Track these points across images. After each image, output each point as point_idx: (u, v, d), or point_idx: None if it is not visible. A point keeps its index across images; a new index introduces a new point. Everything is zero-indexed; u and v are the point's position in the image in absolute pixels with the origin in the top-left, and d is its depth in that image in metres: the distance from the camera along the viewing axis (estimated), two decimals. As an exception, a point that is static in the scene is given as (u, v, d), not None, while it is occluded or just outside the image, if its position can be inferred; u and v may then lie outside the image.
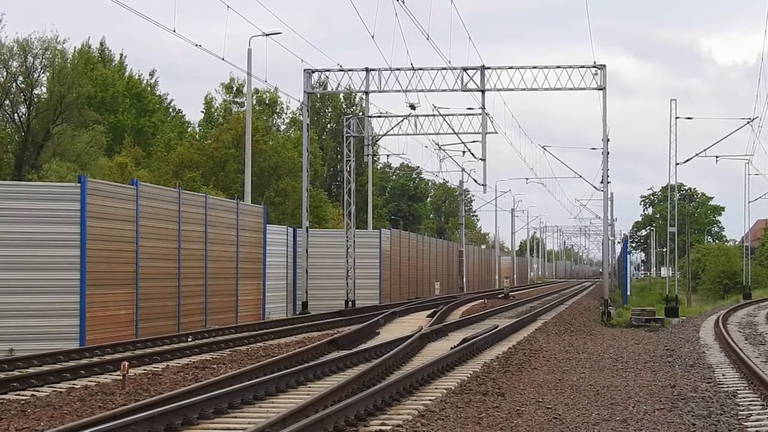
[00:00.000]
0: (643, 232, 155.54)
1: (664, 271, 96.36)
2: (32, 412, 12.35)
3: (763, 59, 62.14)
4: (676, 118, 53.18)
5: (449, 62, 36.63)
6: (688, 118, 53.80)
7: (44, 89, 56.70)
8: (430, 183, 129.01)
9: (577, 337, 26.32)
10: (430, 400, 13.23)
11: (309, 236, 38.28)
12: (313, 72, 38.65)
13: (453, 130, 41.43)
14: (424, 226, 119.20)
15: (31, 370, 16.49)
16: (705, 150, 52.86)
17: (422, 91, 37.21)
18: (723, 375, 16.82)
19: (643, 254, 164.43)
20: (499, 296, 54.05)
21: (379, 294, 44.39)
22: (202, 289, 28.69)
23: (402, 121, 43.07)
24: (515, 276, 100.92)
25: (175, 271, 26.84)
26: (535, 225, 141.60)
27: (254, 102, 66.99)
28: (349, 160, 43.36)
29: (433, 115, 41.78)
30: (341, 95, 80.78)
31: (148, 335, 23.82)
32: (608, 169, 38.59)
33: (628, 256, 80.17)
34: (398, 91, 37.48)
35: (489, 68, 37.16)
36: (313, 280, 38.40)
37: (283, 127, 75.97)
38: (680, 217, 72.20)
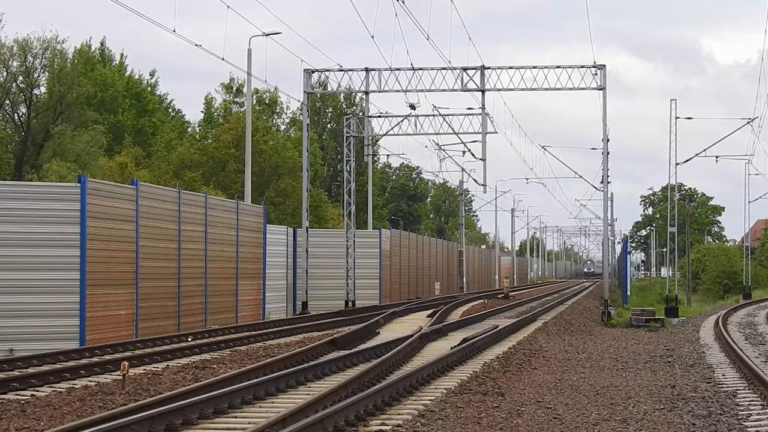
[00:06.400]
0: (643, 232, 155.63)
1: (664, 271, 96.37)
2: (32, 412, 12.35)
3: (763, 59, 62.11)
4: (676, 118, 53.31)
5: (449, 62, 36.68)
6: (688, 118, 53.94)
7: (44, 89, 56.72)
8: (430, 183, 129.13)
9: (577, 337, 26.31)
10: (430, 400, 13.22)
11: (309, 236, 38.27)
12: (313, 72, 38.65)
13: (453, 130, 41.44)
14: (424, 226, 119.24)
15: (31, 370, 16.49)
16: (705, 150, 53.01)
17: (422, 91, 37.24)
18: (723, 375, 16.81)
19: (643, 254, 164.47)
20: (499, 296, 53.98)
21: (379, 294, 44.38)
22: (202, 289, 28.69)
23: (402, 121, 43.08)
24: (515, 276, 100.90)
25: (175, 271, 26.84)
26: (535, 225, 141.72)
27: (254, 102, 66.98)
28: (349, 160, 43.35)
29: (433, 115, 41.79)
30: (341, 95, 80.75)
31: (148, 335, 23.81)
32: (608, 169, 38.64)
33: (628, 256, 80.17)
34: (398, 91, 37.50)
35: (489, 68, 37.16)
36: (313, 280, 38.39)
37: (283, 127, 76.01)
38: (680, 217, 72.18)
